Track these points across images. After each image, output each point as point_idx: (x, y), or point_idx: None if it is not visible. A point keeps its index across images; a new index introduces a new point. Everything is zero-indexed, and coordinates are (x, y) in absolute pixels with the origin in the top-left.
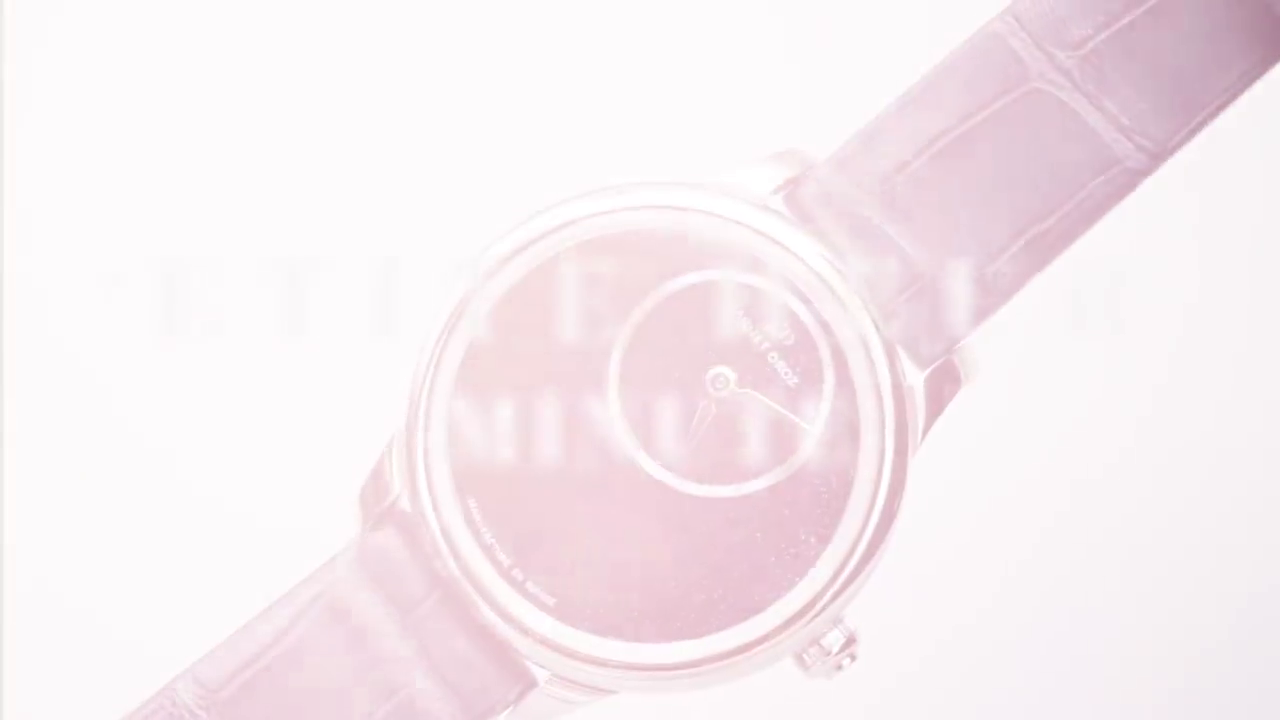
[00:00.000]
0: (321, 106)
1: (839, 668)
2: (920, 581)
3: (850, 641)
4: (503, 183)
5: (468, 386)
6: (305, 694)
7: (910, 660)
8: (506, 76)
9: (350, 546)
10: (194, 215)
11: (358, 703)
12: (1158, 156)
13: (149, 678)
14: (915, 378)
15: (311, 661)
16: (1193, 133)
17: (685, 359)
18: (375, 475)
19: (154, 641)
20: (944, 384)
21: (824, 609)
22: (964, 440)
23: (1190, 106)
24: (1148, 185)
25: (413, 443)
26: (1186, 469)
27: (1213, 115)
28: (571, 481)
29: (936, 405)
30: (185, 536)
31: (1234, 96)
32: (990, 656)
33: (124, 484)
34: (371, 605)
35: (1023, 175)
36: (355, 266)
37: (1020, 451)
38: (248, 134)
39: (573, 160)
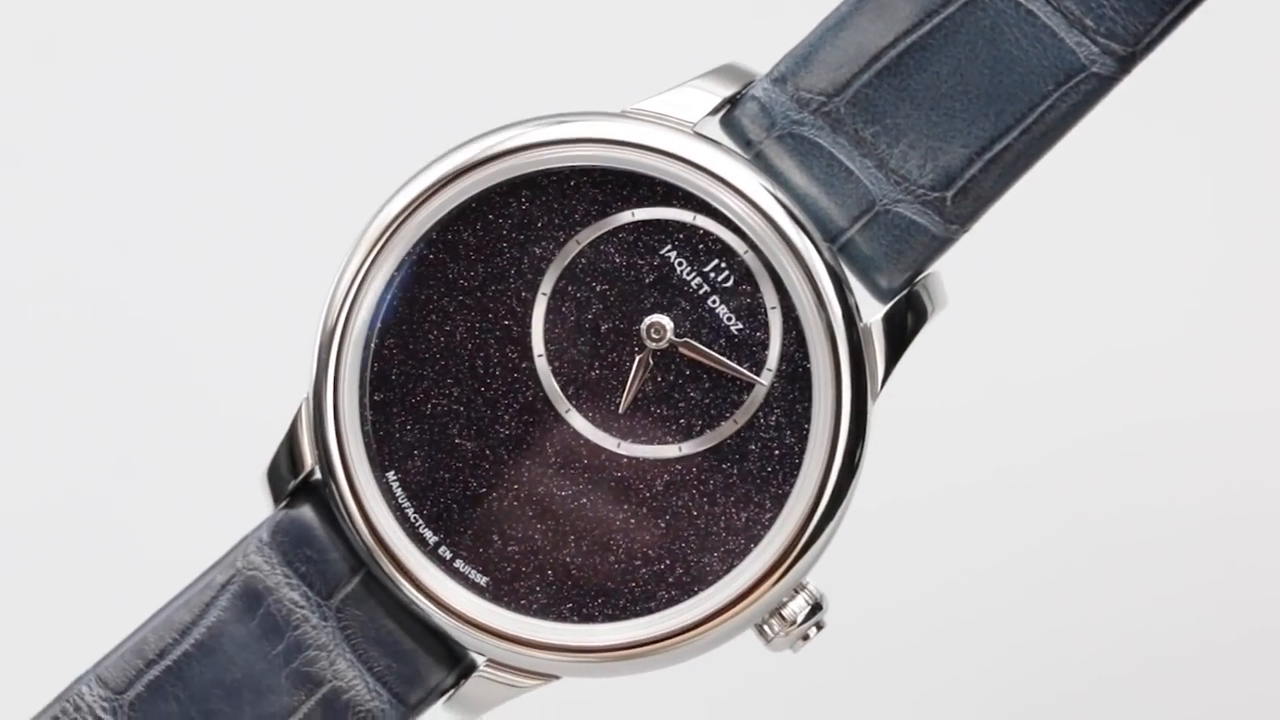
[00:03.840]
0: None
1: (805, 638)
2: (896, 542)
3: (816, 608)
4: (417, 110)
5: (382, 344)
6: (219, 690)
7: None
8: None
9: (263, 525)
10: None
11: (278, 698)
12: (1128, 60)
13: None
14: (873, 315)
15: (224, 654)
16: (1166, 30)
17: (617, 308)
18: (288, 444)
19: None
20: (906, 319)
21: (782, 576)
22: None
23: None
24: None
25: (322, 409)
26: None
27: (1189, 9)
28: (499, 448)
29: (899, 343)
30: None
31: None
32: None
33: None
34: (288, 589)
35: (978, 89)
36: None
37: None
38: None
39: (490, 89)
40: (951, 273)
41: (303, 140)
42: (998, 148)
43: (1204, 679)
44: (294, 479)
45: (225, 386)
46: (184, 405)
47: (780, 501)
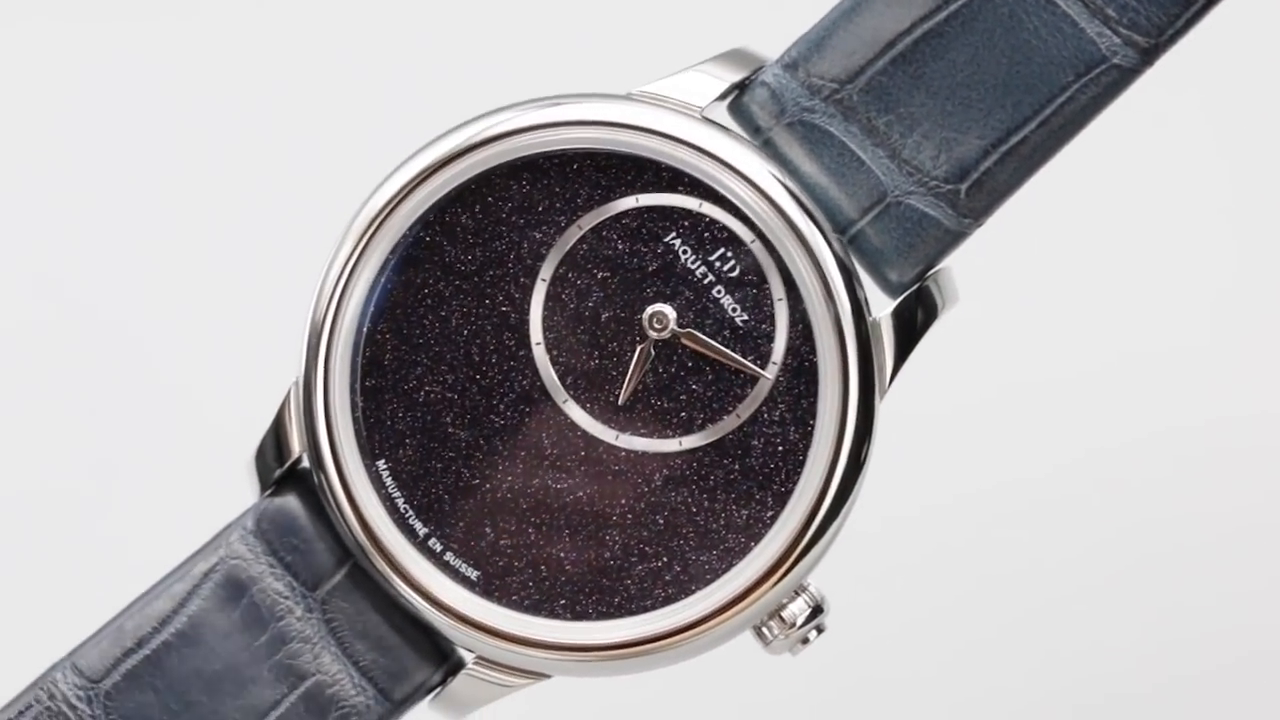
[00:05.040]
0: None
1: (805, 641)
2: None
3: (817, 611)
4: (417, 90)
5: (375, 329)
6: (198, 682)
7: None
8: None
9: (247, 513)
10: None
11: (259, 690)
12: (1151, 52)
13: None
14: (883, 309)
15: (205, 645)
16: (1191, 21)
17: (618, 296)
18: (275, 431)
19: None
20: (917, 314)
21: (782, 577)
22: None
23: None
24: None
25: (311, 395)
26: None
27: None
28: (494, 438)
29: (908, 339)
30: None
31: None
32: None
33: None
34: (272, 579)
35: (995, 78)
36: None
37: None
38: None
39: (492, 69)
40: (964, 268)
41: (291, 123)
42: (1014, 140)
43: (1226, 693)
44: (280, 466)
45: (208, 382)
46: (168, 402)
47: (782, 499)
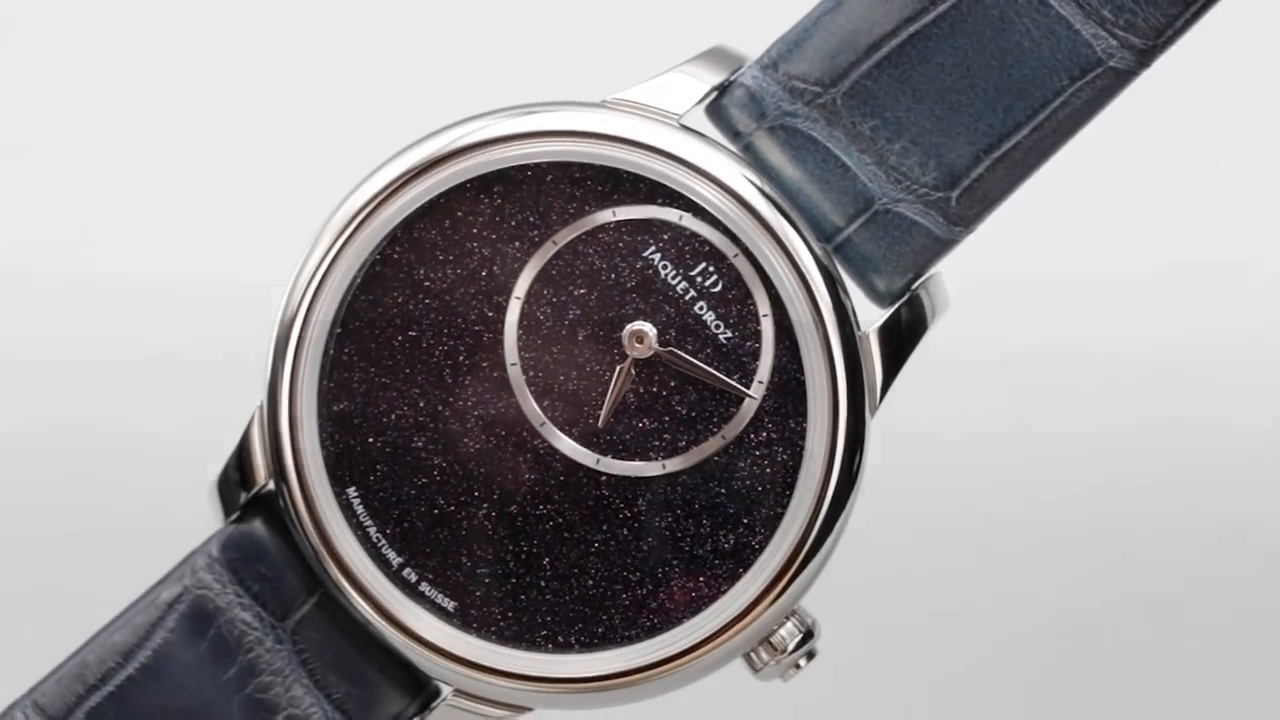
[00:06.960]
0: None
1: (796, 667)
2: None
3: (808, 636)
4: (382, 99)
5: (343, 349)
6: (166, 719)
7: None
8: None
9: (212, 539)
10: None
11: None
12: (1147, 54)
13: None
14: (872, 320)
15: (171, 680)
16: (1189, 23)
17: (596, 314)
18: (240, 454)
19: None
20: (907, 326)
21: (772, 603)
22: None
23: None
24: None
25: (277, 418)
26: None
27: (1212, 0)
28: (469, 463)
29: (899, 351)
30: None
31: None
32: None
33: None
34: (240, 609)
35: (984, 82)
36: None
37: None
38: None
39: (462, 76)
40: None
41: (269, 130)
42: (1006, 146)
43: (1225, 695)
44: (246, 492)
45: (199, 383)
46: (158, 400)
47: (772, 524)
